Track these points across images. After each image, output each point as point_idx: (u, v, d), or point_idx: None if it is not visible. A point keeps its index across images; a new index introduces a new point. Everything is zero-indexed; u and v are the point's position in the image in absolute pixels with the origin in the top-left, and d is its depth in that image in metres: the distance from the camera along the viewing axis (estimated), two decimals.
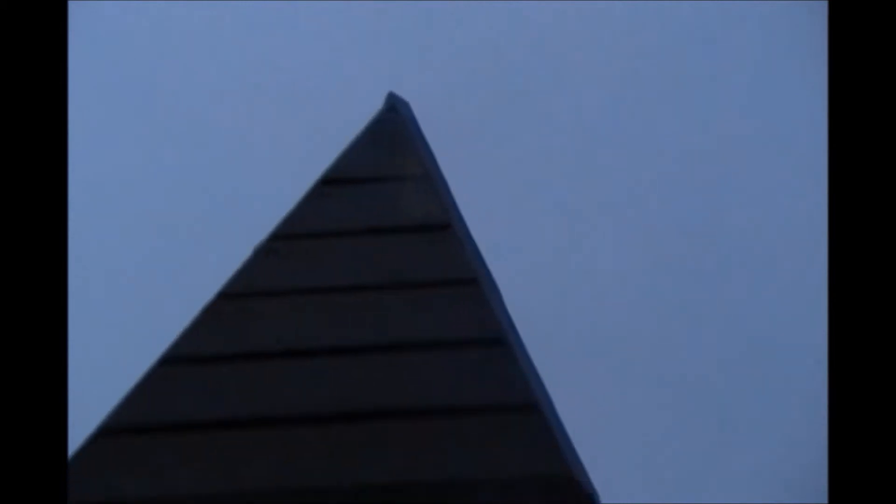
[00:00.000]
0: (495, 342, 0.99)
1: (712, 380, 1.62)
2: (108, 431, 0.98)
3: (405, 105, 1.17)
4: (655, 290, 1.71)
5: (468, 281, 1.03)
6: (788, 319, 1.69)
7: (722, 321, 1.71)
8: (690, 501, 1.50)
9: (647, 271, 1.68)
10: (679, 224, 1.75)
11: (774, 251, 1.74)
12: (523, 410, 0.95)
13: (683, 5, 1.85)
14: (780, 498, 1.51)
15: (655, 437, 1.58)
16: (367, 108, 1.14)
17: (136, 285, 1.67)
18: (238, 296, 1.05)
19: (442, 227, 1.06)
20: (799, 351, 1.60)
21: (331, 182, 1.11)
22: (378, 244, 1.06)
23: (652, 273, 1.68)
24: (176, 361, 1.01)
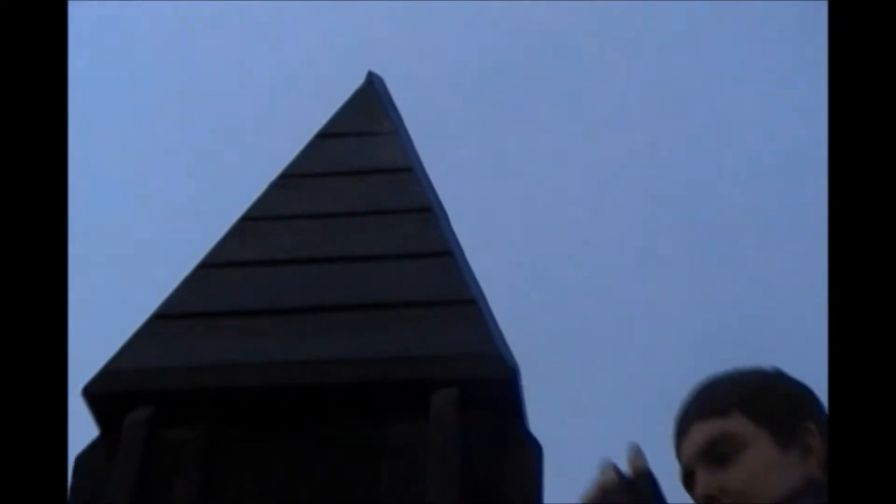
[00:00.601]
0: (443, 254, 1.18)
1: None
2: (160, 317, 1.16)
3: (381, 80, 1.41)
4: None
5: (425, 209, 1.23)
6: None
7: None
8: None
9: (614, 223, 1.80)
10: (663, 198, 1.81)
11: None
12: (462, 304, 1.12)
13: (681, 5, 1.93)
14: None
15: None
16: (353, 82, 1.39)
17: (177, 221, 1.85)
18: (257, 218, 1.26)
19: (406, 169, 1.28)
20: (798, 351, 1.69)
21: (324, 136, 1.33)
22: (358, 181, 1.27)
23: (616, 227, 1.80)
24: (211, 265, 1.21)
